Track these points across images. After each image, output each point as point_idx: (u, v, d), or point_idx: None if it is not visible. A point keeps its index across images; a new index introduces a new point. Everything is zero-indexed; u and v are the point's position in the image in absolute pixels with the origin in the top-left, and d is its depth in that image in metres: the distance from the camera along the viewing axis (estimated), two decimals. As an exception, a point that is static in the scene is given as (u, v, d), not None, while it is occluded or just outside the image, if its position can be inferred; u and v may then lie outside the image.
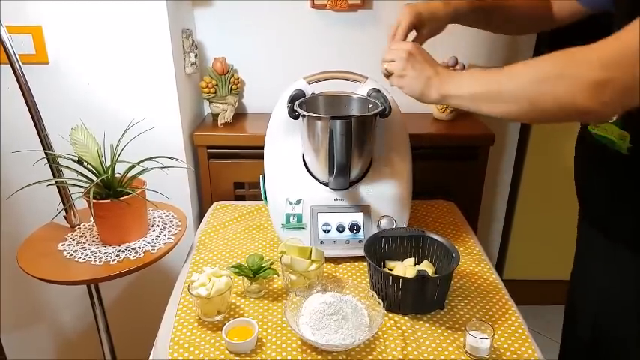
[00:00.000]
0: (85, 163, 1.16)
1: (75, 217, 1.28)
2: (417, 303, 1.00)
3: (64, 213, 1.26)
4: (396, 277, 0.98)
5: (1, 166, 1.49)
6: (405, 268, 1.06)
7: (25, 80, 1.14)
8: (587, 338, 1.01)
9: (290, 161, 1.24)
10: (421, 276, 0.97)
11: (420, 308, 1.01)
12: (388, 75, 0.98)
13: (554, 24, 1.10)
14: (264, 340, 0.95)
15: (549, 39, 1.70)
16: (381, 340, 0.94)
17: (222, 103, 1.62)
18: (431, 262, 1.11)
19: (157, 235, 1.23)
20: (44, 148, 1.19)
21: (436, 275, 1.05)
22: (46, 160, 1.19)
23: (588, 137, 0.95)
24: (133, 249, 1.18)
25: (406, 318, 1.00)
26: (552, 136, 1.81)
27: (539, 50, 1.71)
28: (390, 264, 1.11)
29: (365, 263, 1.15)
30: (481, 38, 1.67)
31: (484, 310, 1.02)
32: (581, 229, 1.07)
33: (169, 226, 1.28)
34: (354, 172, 1.19)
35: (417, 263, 1.11)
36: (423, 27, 1.04)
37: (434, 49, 1.62)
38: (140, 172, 1.20)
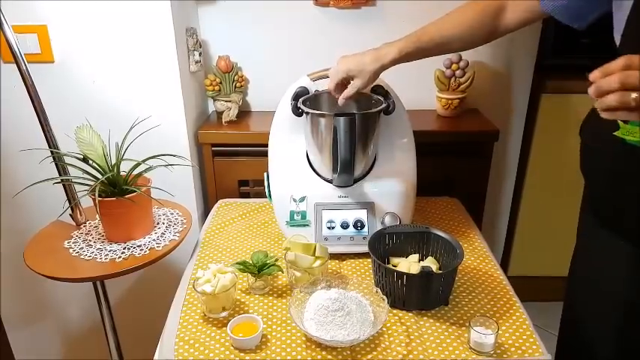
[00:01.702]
0: (91, 161, 1.17)
1: (81, 214, 1.29)
2: (422, 299, 1.01)
3: (69, 211, 1.27)
4: (401, 274, 0.99)
5: (0, 164, 1.50)
6: (409, 264, 1.06)
7: (31, 79, 1.15)
8: (609, 351, 0.94)
9: (294, 158, 1.25)
10: (425, 272, 0.97)
11: (425, 304, 1.01)
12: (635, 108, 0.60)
13: (510, 30, 1.07)
14: (268, 337, 0.95)
15: (553, 36, 1.70)
16: (386, 336, 0.95)
17: (226, 101, 1.62)
18: (435, 258, 1.11)
19: (163, 233, 1.24)
20: (50, 147, 1.20)
21: (440, 271, 1.05)
22: (51, 159, 1.20)
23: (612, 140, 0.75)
24: (138, 246, 1.18)
25: (410, 314, 1.00)
26: (557, 132, 1.80)
27: (544, 46, 1.70)
28: (395, 260, 1.11)
29: (369, 260, 1.15)
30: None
31: (488, 306, 1.02)
32: (590, 230, 0.98)
33: (174, 224, 1.29)
34: (358, 169, 1.19)
35: (421, 260, 1.12)
36: (353, 79, 1.10)
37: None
38: (145, 170, 1.20)
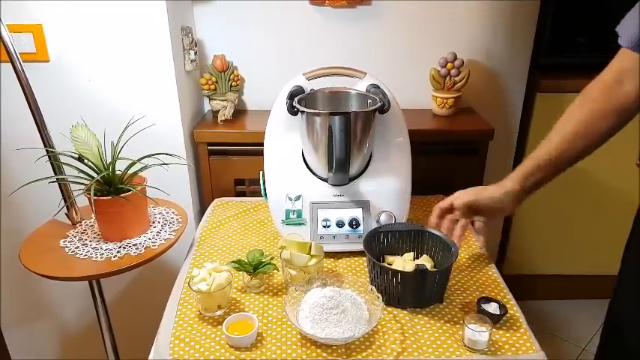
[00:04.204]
0: (86, 160, 1.17)
1: (76, 213, 1.29)
2: (416, 297, 1.01)
3: (65, 210, 1.27)
4: (395, 272, 0.99)
5: (1, 164, 1.50)
6: (404, 262, 1.07)
7: (26, 78, 1.15)
8: None
9: (290, 157, 1.25)
10: (420, 270, 0.98)
11: (419, 302, 1.02)
12: None
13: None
14: (264, 335, 0.95)
15: (549, 35, 1.70)
16: (380, 333, 0.95)
17: (222, 100, 1.62)
18: (430, 256, 1.11)
19: (158, 232, 1.24)
20: (45, 146, 1.19)
21: (435, 269, 1.06)
22: (47, 158, 1.20)
23: None
24: (134, 245, 1.18)
25: (405, 312, 1.01)
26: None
27: (539, 44, 1.71)
28: (389, 259, 1.11)
29: (364, 258, 1.15)
30: (480, 33, 1.66)
31: (483, 304, 1.03)
32: None
33: (170, 223, 1.29)
34: (354, 168, 1.20)
35: (416, 258, 1.12)
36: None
37: (434, 44, 1.65)
38: (140, 169, 1.20)
